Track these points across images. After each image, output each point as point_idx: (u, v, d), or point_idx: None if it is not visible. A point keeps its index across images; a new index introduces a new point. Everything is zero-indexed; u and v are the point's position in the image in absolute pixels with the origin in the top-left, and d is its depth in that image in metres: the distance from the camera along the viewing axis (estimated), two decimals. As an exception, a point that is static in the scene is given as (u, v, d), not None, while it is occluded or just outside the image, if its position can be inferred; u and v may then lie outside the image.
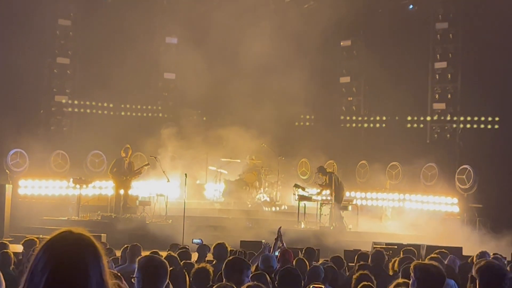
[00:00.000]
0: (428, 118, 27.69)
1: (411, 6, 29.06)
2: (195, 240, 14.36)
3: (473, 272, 6.84)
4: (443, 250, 13.66)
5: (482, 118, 26.67)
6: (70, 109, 29.10)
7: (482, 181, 24.96)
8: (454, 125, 27.14)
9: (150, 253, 10.78)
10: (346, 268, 13.47)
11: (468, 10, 26.75)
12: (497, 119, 26.38)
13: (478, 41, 25.83)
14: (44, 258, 3.09)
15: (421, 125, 28.09)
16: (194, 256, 13.36)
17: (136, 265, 5.87)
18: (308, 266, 10.78)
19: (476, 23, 26.19)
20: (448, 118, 27.12)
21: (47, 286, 3.03)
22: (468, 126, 26.93)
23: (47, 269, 3.05)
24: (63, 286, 3.06)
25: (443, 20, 27.21)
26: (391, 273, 11.00)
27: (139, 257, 6.00)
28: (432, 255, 12.12)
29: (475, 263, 8.38)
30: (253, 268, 9.11)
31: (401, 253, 13.03)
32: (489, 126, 26.54)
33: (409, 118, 28.43)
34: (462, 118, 27.01)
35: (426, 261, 8.31)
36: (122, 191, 24.23)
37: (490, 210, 24.21)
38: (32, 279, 3.07)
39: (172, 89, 31.06)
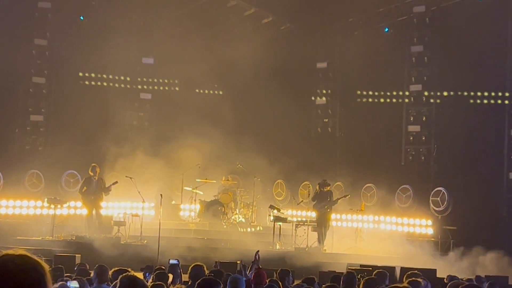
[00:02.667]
0: (403, 140, 27.81)
1: (386, 29, 29.31)
2: (172, 261, 14.34)
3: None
4: (417, 272, 13.70)
5: (457, 137, 26.78)
6: (44, 129, 28.93)
7: (456, 203, 25.12)
8: (428, 147, 27.30)
9: (117, 270, 10.79)
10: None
11: (443, 33, 26.98)
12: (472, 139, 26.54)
13: (453, 64, 26.05)
14: None
15: (396, 150, 28.16)
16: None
17: (118, 284, 5.83)
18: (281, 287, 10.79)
19: (451, 46, 26.44)
20: (423, 138, 27.25)
21: None
22: (442, 149, 27.06)
23: None
24: None
25: (418, 43, 27.44)
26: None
27: (122, 276, 5.96)
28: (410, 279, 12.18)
29: (449, 285, 8.44)
30: None
31: (373, 274, 13.04)
32: (462, 147, 26.65)
33: (384, 139, 28.55)
34: (435, 142, 27.17)
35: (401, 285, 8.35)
36: (94, 211, 24.16)
37: (464, 232, 24.35)
38: None
39: (147, 109, 31.04)
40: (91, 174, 24.27)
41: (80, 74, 29.77)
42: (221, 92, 31.07)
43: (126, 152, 27.09)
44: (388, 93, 28.28)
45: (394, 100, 28.19)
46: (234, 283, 9.57)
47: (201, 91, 31.21)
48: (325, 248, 24.44)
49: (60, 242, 23.24)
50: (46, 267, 3.05)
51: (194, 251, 22.38)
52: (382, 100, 28.04)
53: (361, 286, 10.73)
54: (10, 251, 3.05)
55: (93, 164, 24.45)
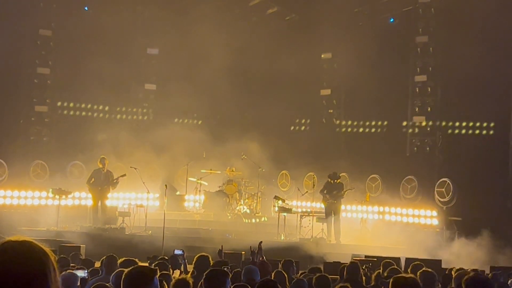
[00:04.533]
0: (410, 131, 27.73)
1: (391, 20, 29.22)
2: (176, 251, 14.35)
3: (454, 284, 6.87)
4: (420, 263, 13.69)
5: (463, 131, 26.73)
6: (49, 120, 28.94)
7: (461, 194, 25.07)
8: (434, 138, 27.23)
9: (125, 260, 10.81)
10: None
11: (448, 23, 26.88)
12: (477, 132, 26.47)
13: (458, 55, 25.93)
14: None
15: (401, 141, 28.11)
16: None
17: (123, 275, 5.81)
18: (287, 278, 10.79)
19: (456, 37, 26.32)
20: (428, 129, 27.18)
21: None
22: (448, 139, 26.99)
23: None
24: None
25: (424, 33, 27.34)
26: (372, 283, 11.02)
27: (125, 271, 5.93)
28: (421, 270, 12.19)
29: (456, 275, 8.41)
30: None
31: (381, 266, 13.03)
32: (470, 139, 26.58)
33: (389, 131, 28.51)
34: (441, 131, 27.09)
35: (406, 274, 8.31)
36: (99, 202, 24.22)
37: (469, 223, 24.30)
38: None
39: (152, 100, 31.03)
40: (100, 166, 24.30)
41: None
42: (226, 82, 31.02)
43: (131, 143, 27.08)
44: (393, 84, 28.15)
45: (398, 90, 28.07)
46: (249, 273, 9.56)
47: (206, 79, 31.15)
48: (330, 239, 24.45)
49: (65, 233, 23.27)
50: (51, 254, 3.00)
51: (198, 241, 22.40)
52: (386, 90, 27.91)
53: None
54: (13, 238, 3.00)
55: (102, 156, 24.50)
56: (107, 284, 8.41)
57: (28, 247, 2.97)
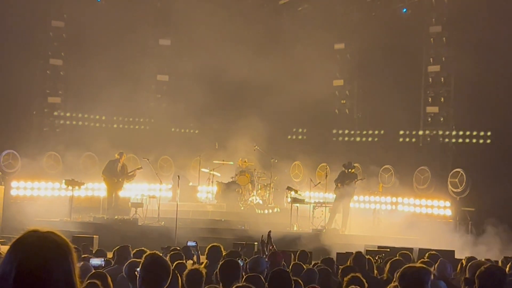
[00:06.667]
0: (421, 121, 27.66)
1: (404, 10, 29.09)
2: (189, 243, 14.37)
3: (468, 275, 6.83)
4: (436, 253, 13.66)
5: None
6: (61, 111, 29.02)
7: (474, 185, 24.99)
8: (447, 132, 27.14)
9: (139, 251, 10.83)
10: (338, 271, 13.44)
11: (462, 13, 26.73)
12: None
13: (471, 45, 25.82)
14: (11, 260, 2.99)
15: (414, 132, 28.04)
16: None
17: (141, 262, 5.84)
18: (290, 269, 10.81)
19: (469, 26, 26.19)
20: (441, 119, 27.10)
21: (16, 286, 2.94)
22: (461, 133, 26.89)
23: (13, 269, 2.95)
24: (29, 286, 2.95)
25: (437, 23, 27.23)
26: (385, 277, 10.98)
27: (146, 254, 5.97)
28: (424, 259, 12.15)
29: (469, 265, 8.36)
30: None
31: (397, 255, 12.97)
32: (482, 133, 26.48)
33: (402, 121, 28.41)
34: (455, 120, 27.01)
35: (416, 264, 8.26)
36: (114, 194, 24.28)
37: (483, 213, 24.20)
38: (2, 280, 2.97)
39: (165, 91, 31.02)
40: (117, 157, 24.33)
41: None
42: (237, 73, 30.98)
43: (143, 134, 27.12)
44: (406, 74, 28.03)
45: (412, 81, 27.97)
46: (256, 263, 9.56)
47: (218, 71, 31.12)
48: (343, 229, 24.46)
49: (78, 224, 23.35)
50: (72, 246, 3.10)
51: (211, 232, 22.43)
52: (400, 80, 27.80)
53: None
54: (37, 227, 3.10)
55: (121, 151, 24.54)
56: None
57: (52, 237, 3.07)
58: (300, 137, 30.77)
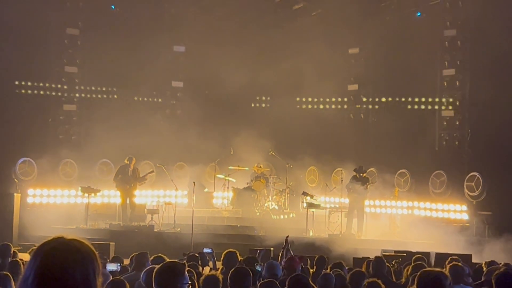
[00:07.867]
0: (438, 125, 27.57)
1: (419, 14, 29.03)
2: (205, 250, 14.37)
3: (485, 278, 6.80)
4: (456, 257, 13.59)
5: (492, 125, 26.45)
6: (77, 118, 29.12)
7: (491, 188, 24.87)
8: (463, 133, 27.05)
9: (156, 257, 10.82)
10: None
11: (476, 16, 26.64)
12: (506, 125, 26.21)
13: (486, 48, 25.72)
14: (32, 264, 3.05)
15: (429, 132, 27.95)
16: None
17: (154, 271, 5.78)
18: (310, 275, 10.79)
19: (484, 29, 26.09)
20: (457, 123, 27.03)
21: None
22: (477, 132, 26.77)
23: (36, 275, 3.00)
24: None
25: (451, 27, 27.16)
26: (403, 281, 10.95)
27: (162, 264, 5.90)
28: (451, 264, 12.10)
29: (487, 270, 8.33)
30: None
31: (412, 261, 12.93)
32: (496, 132, 26.32)
33: (417, 124, 28.32)
34: (470, 124, 26.90)
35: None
36: (128, 200, 24.31)
37: (499, 217, 24.09)
38: (24, 285, 3.03)
39: (179, 98, 31.07)
40: (127, 162, 24.39)
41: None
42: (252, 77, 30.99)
43: (158, 141, 27.12)
44: (421, 78, 27.96)
45: (427, 84, 27.90)
46: (272, 269, 9.57)
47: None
48: (359, 234, 24.40)
49: (94, 231, 23.40)
50: (96, 253, 3.17)
51: (227, 238, 22.44)
52: (415, 84, 27.73)
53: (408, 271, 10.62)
54: (63, 234, 3.18)
55: (130, 156, 24.60)
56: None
57: (73, 241, 3.15)
58: (315, 141, 30.70)
